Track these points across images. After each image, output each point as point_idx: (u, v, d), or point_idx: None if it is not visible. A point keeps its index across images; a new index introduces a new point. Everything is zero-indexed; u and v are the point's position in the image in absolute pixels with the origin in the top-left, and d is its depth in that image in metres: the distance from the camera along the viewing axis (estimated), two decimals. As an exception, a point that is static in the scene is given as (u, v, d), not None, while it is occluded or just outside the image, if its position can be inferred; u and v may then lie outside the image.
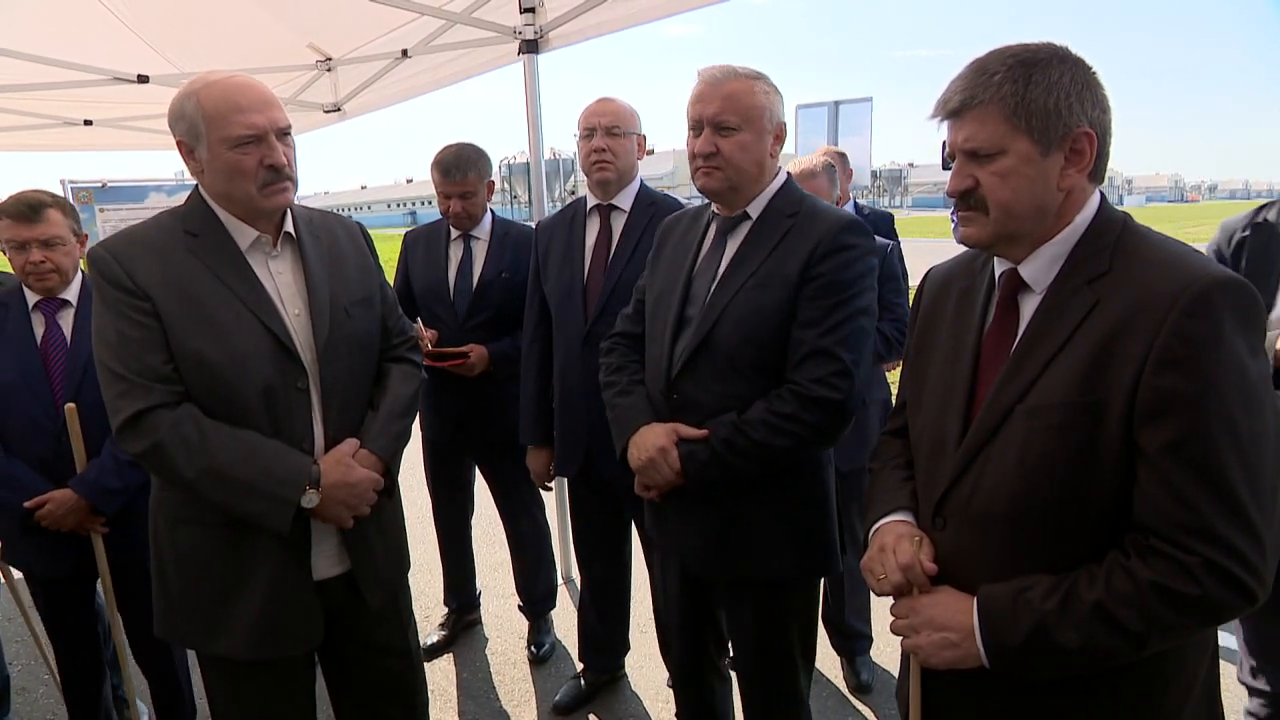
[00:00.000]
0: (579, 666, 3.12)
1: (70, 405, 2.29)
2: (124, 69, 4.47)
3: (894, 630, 1.35)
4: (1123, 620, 1.10)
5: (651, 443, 1.86)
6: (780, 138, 1.85)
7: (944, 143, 2.56)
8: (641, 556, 2.77)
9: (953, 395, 1.32)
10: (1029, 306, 1.26)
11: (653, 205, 2.49)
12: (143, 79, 4.50)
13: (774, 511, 1.87)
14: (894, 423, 1.61)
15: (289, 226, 1.78)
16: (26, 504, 2.25)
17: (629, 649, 3.14)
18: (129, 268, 1.62)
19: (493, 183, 3.10)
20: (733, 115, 1.78)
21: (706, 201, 1.99)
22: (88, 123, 5.49)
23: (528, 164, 3.81)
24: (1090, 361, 1.14)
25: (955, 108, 1.21)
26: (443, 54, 4.09)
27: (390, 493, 1.90)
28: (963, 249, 1.43)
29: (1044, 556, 1.20)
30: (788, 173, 1.92)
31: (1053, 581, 1.17)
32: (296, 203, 1.81)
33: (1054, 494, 1.17)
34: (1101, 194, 1.24)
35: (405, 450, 1.93)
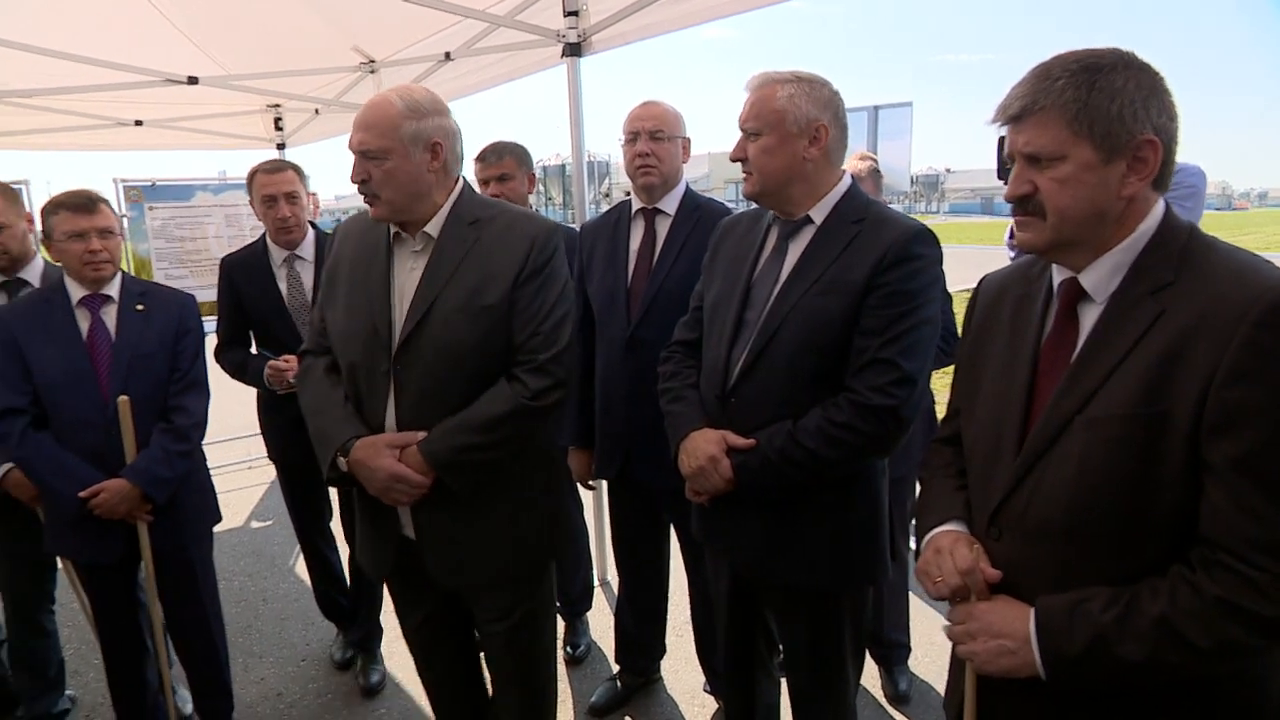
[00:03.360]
0: (615, 668, 3.12)
1: (123, 398, 2.36)
2: (175, 71, 4.57)
3: (950, 636, 1.34)
4: (1189, 636, 1.08)
5: (702, 450, 1.86)
6: (817, 140, 1.79)
7: (1000, 141, 2.50)
8: (679, 560, 2.78)
9: (1009, 404, 1.30)
10: (1089, 316, 1.24)
11: (698, 209, 2.48)
12: (193, 80, 4.59)
13: (826, 518, 1.86)
14: (945, 430, 1.59)
15: (430, 229, 1.90)
16: (81, 494, 2.32)
17: (665, 652, 3.14)
18: (338, 241, 2.04)
19: (533, 175, 3.15)
20: (754, 120, 1.80)
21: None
22: (138, 123, 5.62)
23: (562, 166, 3.84)
24: (1154, 373, 1.12)
25: (1016, 113, 1.20)
26: (485, 57, 4.12)
27: (462, 495, 1.89)
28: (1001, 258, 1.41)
29: (1102, 569, 1.18)
30: (851, 177, 1.90)
31: (1113, 593, 1.15)
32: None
33: (1114, 506, 1.16)
34: (1166, 203, 1.22)
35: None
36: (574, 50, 3.47)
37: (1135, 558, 1.17)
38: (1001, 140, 2.54)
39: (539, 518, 2.02)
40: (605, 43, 3.51)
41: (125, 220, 5.34)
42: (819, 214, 1.85)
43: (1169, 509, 1.13)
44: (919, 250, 1.75)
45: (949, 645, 1.37)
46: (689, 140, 2.53)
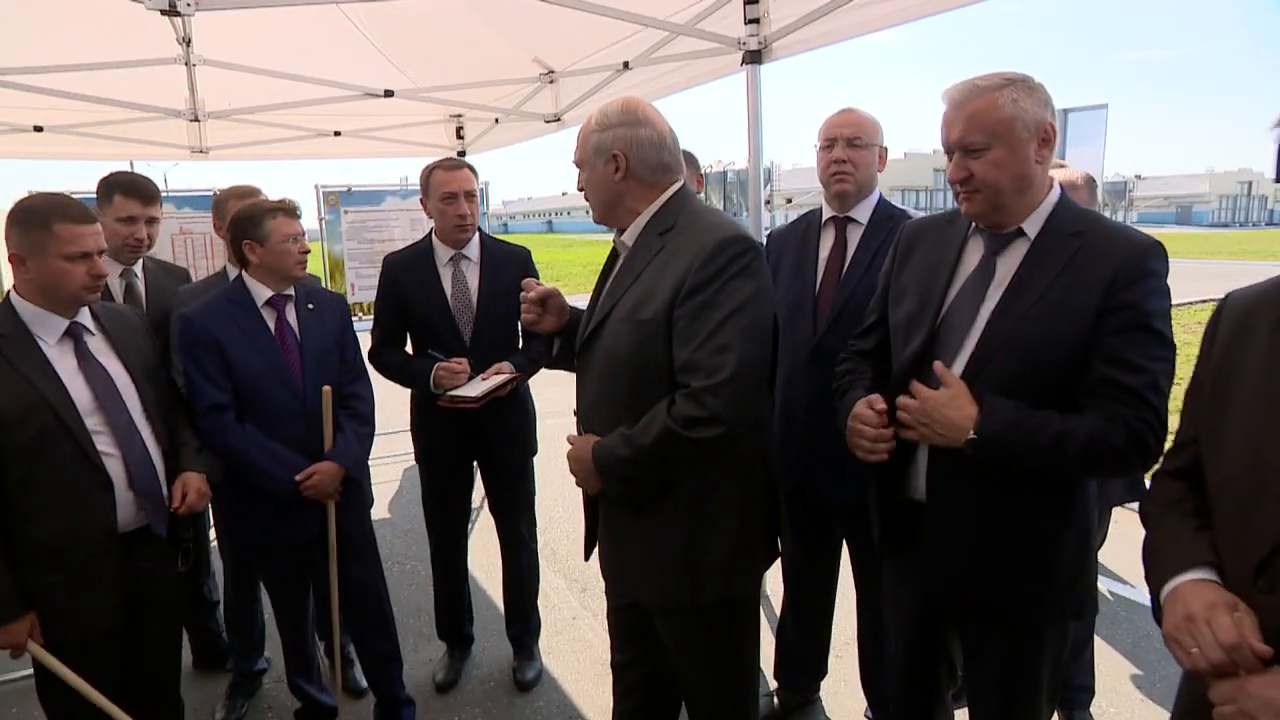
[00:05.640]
0: (772, 684, 3.06)
1: (327, 388, 2.56)
2: (372, 85, 4.90)
3: (1218, 717, 1.18)
4: None
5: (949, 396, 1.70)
6: (1047, 140, 1.68)
7: None
8: (850, 579, 2.70)
9: (1276, 440, 1.17)
10: None
11: (891, 219, 2.41)
12: (388, 93, 4.91)
13: (1030, 540, 1.74)
14: (1175, 462, 1.46)
15: (626, 237, 1.95)
16: (298, 477, 2.52)
17: (826, 673, 3.05)
18: None
19: (700, 175, 3.20)
20: (978, 135, 1.66)
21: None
22: (336, 134, 6.06)
23: (723, 173, 3.84)
24: None
25: None
26: (663, 65, 4.17)
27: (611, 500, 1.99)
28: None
29: None
30: (1061, 186, 1.77)
31: None
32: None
33: None
34: None
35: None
36: (754, 57, 3.45)
37: None
38: None
39: (725, 537, 1.87)
40: (785, 49, 3.46)
41: (324, 223, 5.80)
42: (1032, 226, 1.72)
43: None
44: (1155, 266, 1.61)
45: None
46: (885, 149, 2.47)
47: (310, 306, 2.69)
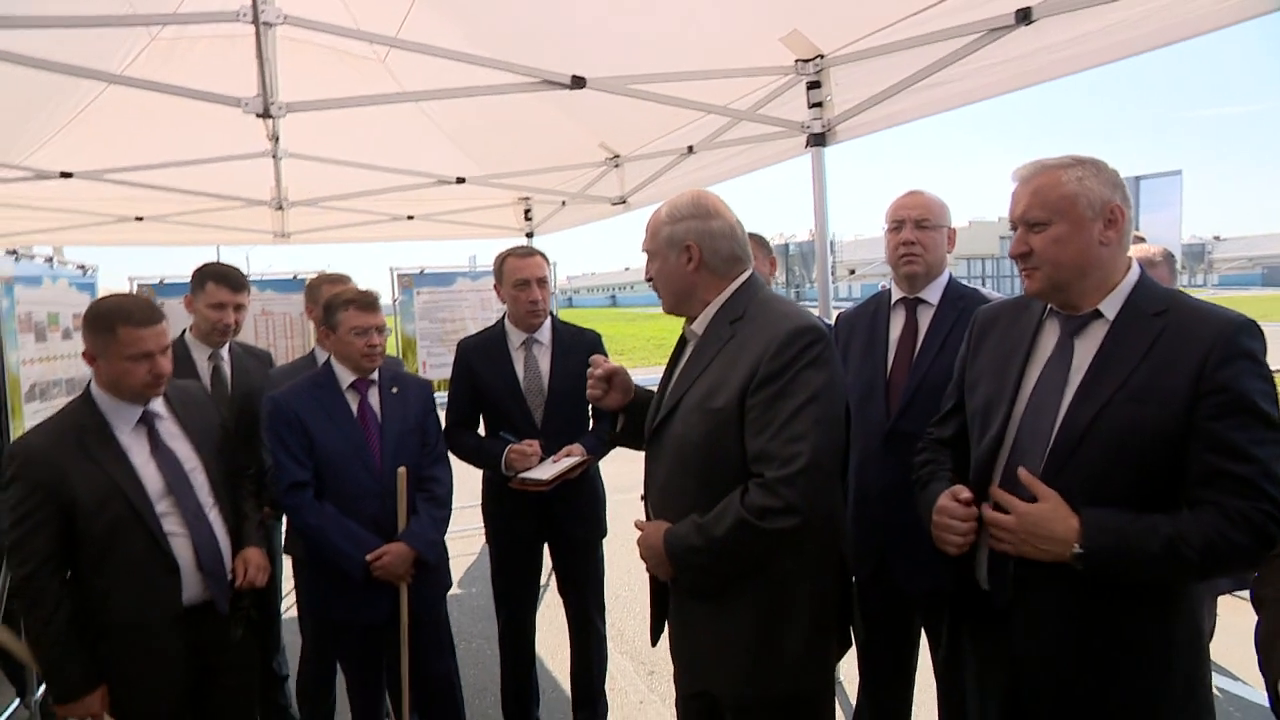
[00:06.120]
0: (850, 783, 2.92)
1: (402, 470, 2.61)
2: (445, 173, 5.12)
3: None
4: None
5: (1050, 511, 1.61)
6: (1114, 221, 1.65)
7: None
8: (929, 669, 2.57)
9: None
10: None
11: (962, 299, 2.39)
12: (460, 180, 5.12)
13: (1135, 641, 1.61)
14: None
15: (696, 326, 1.97)
16: (368, 556, 2.55)
17: (907, 774, 2.89)
18: None
19: (774, 259, 3.21)
20: (1040, 210, 1.66)
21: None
22: (410, 218, 6.32)
23: (785, 245, 3.83)
24: None
25: None
26: (727, 149, 4.25)
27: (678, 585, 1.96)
28: None
29: None
30: (1140, 265, 1.72)
31: None
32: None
33: None
34: None
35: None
36: (818, 140, 3.49)
37: None
38: None
39: (797, 628, 1.81)
40: (849, 132, 3.49)
41: (397, 304, 6.00)
42: (1110, 307, 1.67)
43: None
44: (1251, 344, 1.53)
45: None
46: (954, 230, 2.46)
47: (394, 390, 2.77)
